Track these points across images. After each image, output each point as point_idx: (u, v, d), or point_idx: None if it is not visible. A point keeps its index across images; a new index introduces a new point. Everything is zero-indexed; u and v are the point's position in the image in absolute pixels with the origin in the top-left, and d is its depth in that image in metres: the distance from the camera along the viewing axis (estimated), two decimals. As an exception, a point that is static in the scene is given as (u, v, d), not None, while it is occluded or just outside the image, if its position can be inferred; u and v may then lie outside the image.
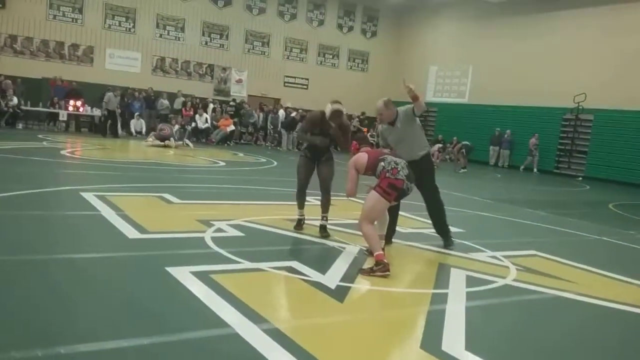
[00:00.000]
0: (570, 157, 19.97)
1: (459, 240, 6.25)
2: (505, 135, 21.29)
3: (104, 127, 17.46)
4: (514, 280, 4.87)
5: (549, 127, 20.31)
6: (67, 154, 11.88)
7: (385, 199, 4.79)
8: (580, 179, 18.79)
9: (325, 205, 5.92)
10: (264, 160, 14.67)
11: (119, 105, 18.01)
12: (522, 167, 20.50)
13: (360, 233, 6.05)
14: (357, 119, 22.65)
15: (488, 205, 9.74)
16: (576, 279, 5.13)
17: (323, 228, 5.86)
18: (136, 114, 19.14)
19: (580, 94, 18.96)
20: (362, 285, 4.31)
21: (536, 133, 20.15)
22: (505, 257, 5.69)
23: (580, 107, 19.35)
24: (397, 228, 6.66)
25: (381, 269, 4.47)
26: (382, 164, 4.86)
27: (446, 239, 5.96)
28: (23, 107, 17.70)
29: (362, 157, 4.99)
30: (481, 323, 3.77)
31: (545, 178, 18.47)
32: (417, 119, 5.85)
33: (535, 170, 20.26)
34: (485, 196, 11.09)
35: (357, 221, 6.77)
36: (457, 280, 4.63)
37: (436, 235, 6.49)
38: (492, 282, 4.71)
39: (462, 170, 17.32)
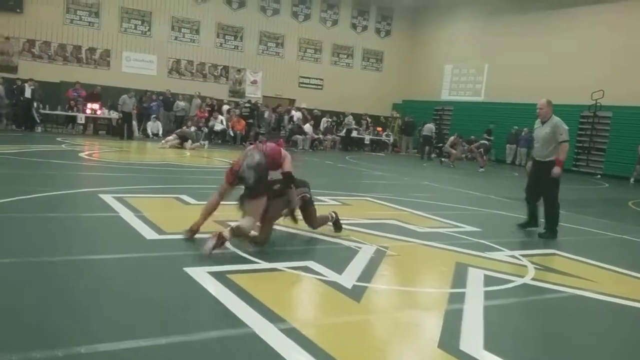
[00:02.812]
0: (589, 154, 19.73)
1: (476, 239, 6.21)
2: (522, 133, 21.09)
3: (121, 130, 17.65)
4: (533, 279, 4.82)
5: (567, 125, 19.99)
6: (86, 156, 12.01)
7: (225, 179, 5.05)
8: (599, 176, 18.55)
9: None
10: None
11: (135, 107, 18.18)
12: (632, 179, 17.39)
13: (375, 232, 6.07)
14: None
15: (505, 204, 9.65)
16: (596, 278, 5.07)
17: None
18: (153, 115, 19.32)
19: (597, 90, 18.72)
20: (378, 285, 4.30)
21: None
22: (523, 256, 5.63)
23: (598, 104, 19.10)
24: (414, 227, 6.66)
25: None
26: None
27: (547, 229, 6.74)
28: (42, 111, 17.93)
29: None
30: (499, 322, 3.73)
31: (563, 176, 18.20)
32: (562, 143, 6.79)
33: None
34: (502, 195, 11.00)
35: (372, 221, 6.77)
36: (475, 280, 4.60)
37: (453, 234, 6.50)
38: (510, 281, 4.67)
39: (480, 169, 17.19)
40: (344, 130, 22.17)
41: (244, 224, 4.73)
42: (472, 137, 20.22)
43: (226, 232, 4.57)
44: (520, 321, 3.89)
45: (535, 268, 5.17)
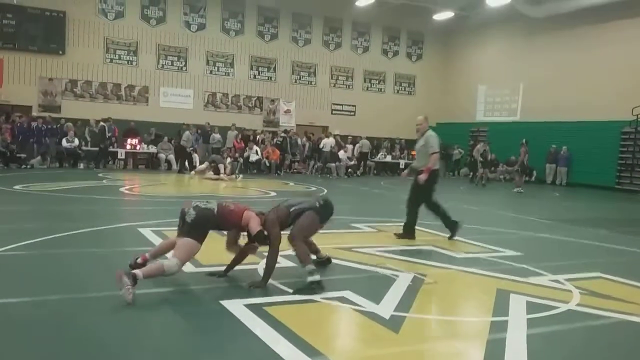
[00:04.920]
0: (632, 171, 19.14)
1: (517, 264, 6.06)
2: (562, 152, 20.64)
3: (183, 164, 18.53)
4: (578, 304, 4.65)
5: (608, 142, 19.56)
6: (126, 191, 12.29)
7: None
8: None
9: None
10: (314, 188, 14.74)
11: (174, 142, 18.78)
12: None
13: (412, 259, 5.98)
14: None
15: (547, 226, 9.41)
16: (646, 302, 4.86)
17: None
18: (190, 148, 19.72)
19: (638, 105, 18.23)
20: (417, 314, 4.22)
21: None
22: (567, 280, 5.45)
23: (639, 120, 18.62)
24: (452, 253, 6.56)
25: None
26: None
27: (450, 230, 7.42)
28: (84, 148, 18.50)
29: None
30: (544, 352, 3.60)
31: (606, 194, 17.73)
32: (432, 154, 7.26)
33: None
34: (543, 216, 10.73)
35: (408, 247, 6.68)
36: (517, 307, 4.46)
37: (493, 259, 6.36)
38: (555, 307, 4.51)
39: (518, 190, 16.75)
40: (358, 154, 22.19)
41: (167, 264, 4.36)
42: (512, 157, 19.77)
43: (139, 272, 4.19)
44: (566, 350, 3.74)
45: (581, 293, 4.99)
